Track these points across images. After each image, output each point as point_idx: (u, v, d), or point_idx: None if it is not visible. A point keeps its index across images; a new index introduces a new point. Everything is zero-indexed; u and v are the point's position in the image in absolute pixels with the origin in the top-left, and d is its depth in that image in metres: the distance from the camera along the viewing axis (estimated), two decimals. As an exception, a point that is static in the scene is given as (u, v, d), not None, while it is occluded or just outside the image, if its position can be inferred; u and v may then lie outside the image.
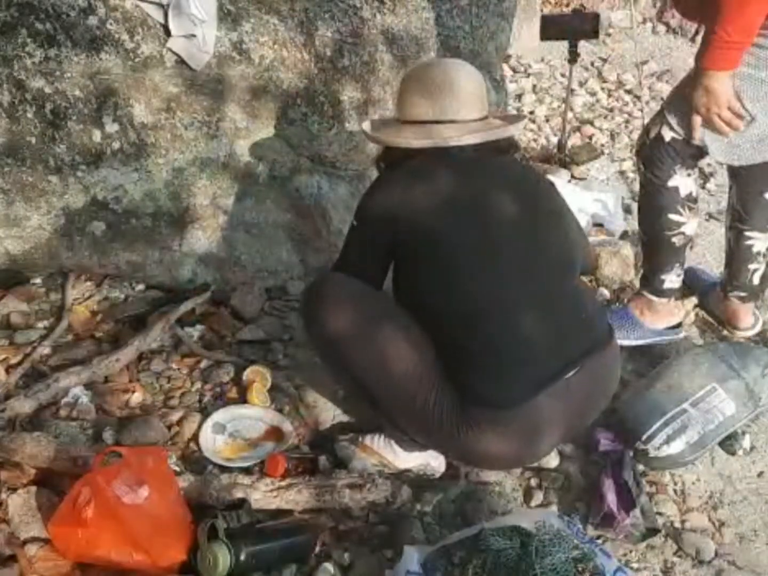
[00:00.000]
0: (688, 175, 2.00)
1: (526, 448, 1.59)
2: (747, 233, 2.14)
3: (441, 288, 1.56)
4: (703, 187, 3.10)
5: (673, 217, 2.04)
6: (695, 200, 2.05)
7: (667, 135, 1.95)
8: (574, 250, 1.72)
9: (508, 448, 1.56)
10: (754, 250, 2.15)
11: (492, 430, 1.51)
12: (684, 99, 1.88)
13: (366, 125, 1.83)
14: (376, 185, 1.70)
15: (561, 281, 1.66)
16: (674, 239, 2.07)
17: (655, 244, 2.14)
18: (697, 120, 1.87)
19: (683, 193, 2.01)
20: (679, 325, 2.23)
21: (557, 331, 1.57)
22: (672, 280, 2.13)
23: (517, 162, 1.87)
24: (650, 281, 2.18)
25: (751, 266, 2.18)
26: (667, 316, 2.20)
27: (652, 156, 2.02)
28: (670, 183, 2.01)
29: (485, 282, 1.56)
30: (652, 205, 2.09)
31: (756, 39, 1.74)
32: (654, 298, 2.17)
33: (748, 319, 2.27)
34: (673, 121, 1.93)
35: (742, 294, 2.22)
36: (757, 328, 2.29)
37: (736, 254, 2.20)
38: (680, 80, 1.98)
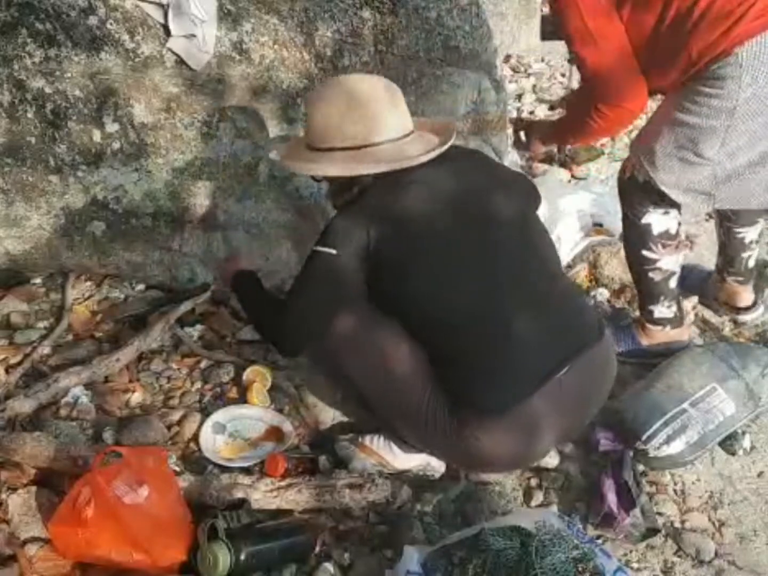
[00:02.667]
0: (665, 213, 1.98)
1: (522, 450, 1.59)
2: (736, 229, 2.21)
3: (430, 294, 1.54)
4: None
5: (645, 253, 2.04)
6: (673, 237, 2.02)
7: (641, 177, 1.94)
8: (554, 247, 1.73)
9: (503, 451, 1.55)
10: (746, 240, 2.23)
11: (486, 434, 1.51)
12: (647, 147, 1.88)
13: (293, 164, 1.71)
14: (346, 210, 1.60)
15: (550, 278, 1.65)
16: (651, 274, 2.06)
17: (637, 276, 2.14)
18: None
19: (656, 230, 2.00)
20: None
21: (548, 329, 1.56)
22: (661, 311, 2.10)
23: (486, 159, 1.84)
24: (642, 309, 2.17)
25: (745, 254, 2.26)
26: (666, 340, 2.14)
27: (626, 194, 2.03)
28: (644, 220, 2.00)
29: (475, 285, 1.55)
30: (628, 239, 2.11)
31: (701, 88, 1.74)
32: (648, 325, 2.15)
33: (748, 297, 2.32)
34: (643, 166, 1.92)
35: (740, 278, 2.30)
36: (759, 311, 2.32)
37: (730, 246, 2.27)
38: (650, 125, 1.96)
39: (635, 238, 2.06)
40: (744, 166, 1.81)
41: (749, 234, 2.21)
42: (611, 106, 1.85)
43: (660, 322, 2.12)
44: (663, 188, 1.89)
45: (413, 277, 1.54)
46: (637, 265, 2.09)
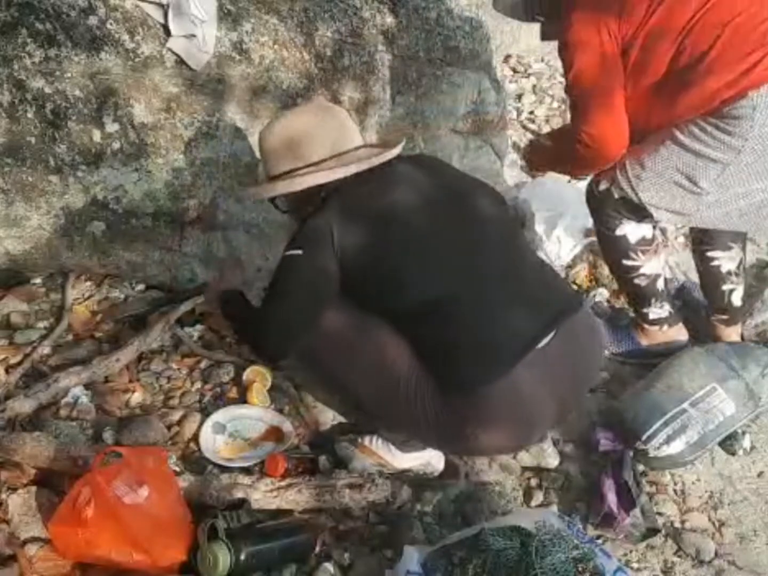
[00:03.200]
0: (638, 221, 1.98)
1: (516, 426, 1.56)
2: (709, 254, 2.12)
3: (408, 285, 1.56)
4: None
5: (627, 262, 2.04)
6: (650, 241, 2.02)
7: (616, 193, 1.94)
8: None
9: (497, 429, 1.53)
10: (723, 270, 2.11)
11: (476, 412, 1.50)
12: (638, 162, 1.88)
13: (273, 188, 1.73)
14: (311, 216, 1.63)
15: (520, 255, 1.69)
16: (637, 281, 2.06)
17: (623, 285, 2.15)
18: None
19: (633, 239, 2.00)
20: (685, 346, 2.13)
21: (527, 305, 1.57)
22: (655, 311, 2.10)
23: (451, 166, 1.93)
24: (636, 312, 2.17)
25: (725, 287, 2.12)
26: (665, 340, 2.14)
27: (599, 208, 2.02)
28: (618, 232, 2.00)
29: (451, 271, 1.57)
30: (606, 252, 2.12)
31: (714, 120, 1.74)
32: (646, 326, 2.14)
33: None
34: (624, 181, 1.91)
35: (724, 317, 2.16)
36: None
37: (706, 277, 2.17)
38: (644, 142, 1.93)
39: (613, 250, 2.06)
40: (730, 197, 1.82)
41: (724, 262, 2.10)
42: (596, 127, 1.84)
43: (656, 322, 2.12)
44: (645, 205, 1.89)
45: (390, 270, 1.56)
46: (622, 274, 2.09)
